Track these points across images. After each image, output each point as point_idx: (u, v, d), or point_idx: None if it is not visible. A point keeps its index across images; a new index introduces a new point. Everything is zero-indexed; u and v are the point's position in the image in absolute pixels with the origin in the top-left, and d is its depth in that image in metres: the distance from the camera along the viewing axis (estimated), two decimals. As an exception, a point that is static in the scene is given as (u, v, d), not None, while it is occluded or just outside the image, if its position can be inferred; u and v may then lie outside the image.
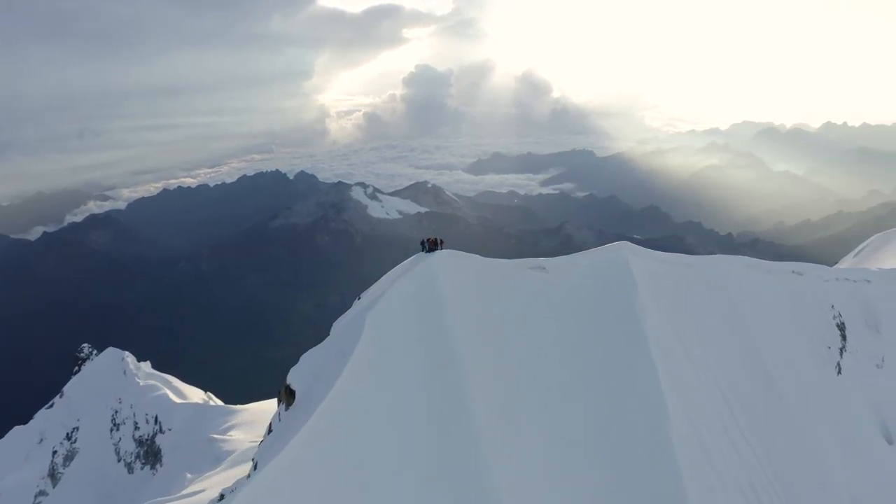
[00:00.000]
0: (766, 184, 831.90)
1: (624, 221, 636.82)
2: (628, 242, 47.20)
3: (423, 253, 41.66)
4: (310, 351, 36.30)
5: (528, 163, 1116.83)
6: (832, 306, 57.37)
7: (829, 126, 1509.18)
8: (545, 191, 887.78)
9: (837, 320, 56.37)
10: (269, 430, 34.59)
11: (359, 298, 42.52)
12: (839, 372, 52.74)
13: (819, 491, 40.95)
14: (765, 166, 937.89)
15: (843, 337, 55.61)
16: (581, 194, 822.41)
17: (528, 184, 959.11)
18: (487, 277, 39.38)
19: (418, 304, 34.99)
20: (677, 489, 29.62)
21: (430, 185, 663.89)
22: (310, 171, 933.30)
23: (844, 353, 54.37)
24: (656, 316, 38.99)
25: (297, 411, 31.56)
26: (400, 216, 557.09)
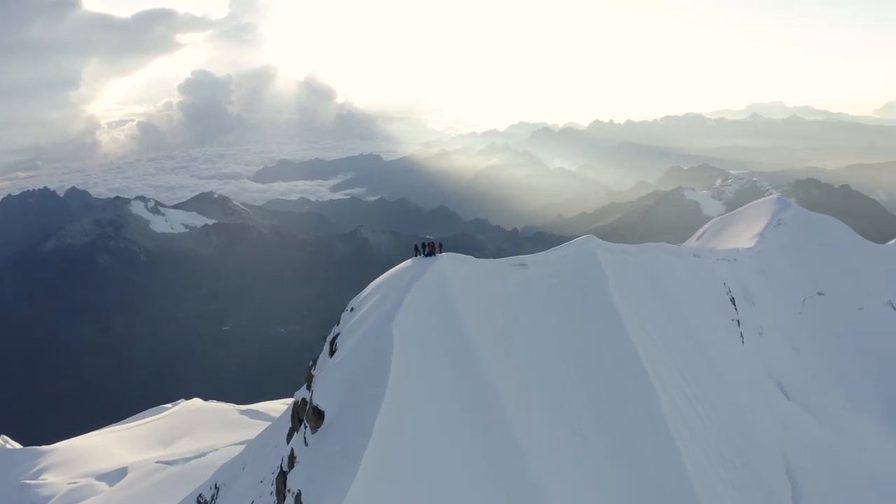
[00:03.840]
0: (544, 180, 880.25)
1: (416, 222, 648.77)
2: (592, 236, 49.58)
3: (421, 257, 41.25)
4: (326, 370, 34.64)
5: (317, 169, 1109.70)
6: (724, 283, 63.02)
7: (597, 124, 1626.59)
8: (336, 196, 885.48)
9: (729, 296, 61.97)
10: (293, 458, 31.93)
11: (351, 309, 41.42)
12: (743, 341, 58.17)
13: (758, 450, 44.91)
14: (542, 164, 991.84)
15: (736, 310, 61.14)
16: (372, 198, 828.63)
17: (318, 190, 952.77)
18: (484, 278, 40.37)
19: (435, 309, 35.34)
20: (676, 460, 32.85)
21: (216, 196, 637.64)
22: (82, 187, 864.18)
23: (740, 325, 59.79)
24: (624, 303, 41.79)
25: (333, 432, 30.16)
26: (186, 230, 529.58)
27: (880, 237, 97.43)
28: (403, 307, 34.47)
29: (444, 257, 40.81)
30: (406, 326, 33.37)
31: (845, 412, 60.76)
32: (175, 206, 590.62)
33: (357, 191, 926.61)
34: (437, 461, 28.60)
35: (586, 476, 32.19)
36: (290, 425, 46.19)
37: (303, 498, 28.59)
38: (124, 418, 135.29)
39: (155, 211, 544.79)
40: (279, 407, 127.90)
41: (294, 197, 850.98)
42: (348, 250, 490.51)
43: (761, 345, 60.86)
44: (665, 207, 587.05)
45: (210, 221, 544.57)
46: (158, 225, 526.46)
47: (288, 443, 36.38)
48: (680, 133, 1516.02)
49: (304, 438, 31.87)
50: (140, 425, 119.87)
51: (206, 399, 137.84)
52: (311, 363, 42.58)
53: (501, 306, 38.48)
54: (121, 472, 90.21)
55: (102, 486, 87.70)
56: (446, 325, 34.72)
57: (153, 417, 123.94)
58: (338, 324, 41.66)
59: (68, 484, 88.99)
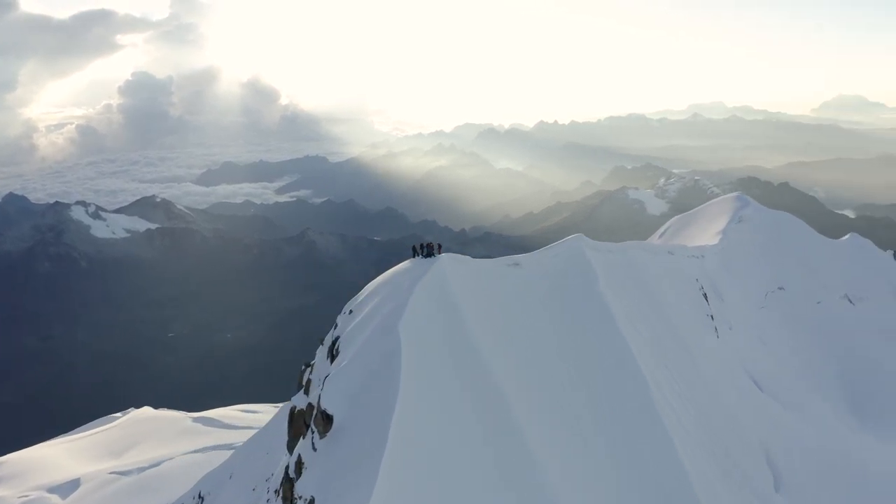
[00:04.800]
0: (491, 181, 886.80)
1: (363, 224, 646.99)
2: (581, 235, 50.09)
3: (420, 258, 41.14)
4: (333, 374, 33.70)
5: (262, 171, 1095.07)
6: (696, 279, 63.98)
7: (542, 125, 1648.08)
8: (282, 199, 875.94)
9: (702, 292, 62.82)
10: (300, 465, 31.28)
11: (350, 312, 40.51)
12: (718, 336, 58.98)
13: (742, 443, 45.82)
14: (488, 164, 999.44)
15: (709, 306, 61.93)
16: (318, 200, 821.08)
17: (263, 192, 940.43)
18: (482, 278, 40.42)
19: (439, 310, 35.23)
20: (675, 460, 33.37)
21: (158, 200, 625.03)
22: (19, 193, 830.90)
23: (714, 320, 60.44)
24: (615, 302, 42.33)
25: (344, 437, 29.66)
26: (128, 234, 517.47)
27: (821, 233, 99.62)
28: (408, 308, 34.14)
29: (445, 258, 40.65)
30: (412, 327, 33.09)
31: (815, 403, 62.35)
32: (116, 211, 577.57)
33: (303, 193, 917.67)
34: (450, 463, 28.42)
35: (588, 476, 32.20)
36: (282, 431, 45.35)
37: (315, 504, 28.38)
38: (71, 429, 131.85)
39: (96, 216, 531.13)
40: (233, 414, 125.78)
41: (239, 200, 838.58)
42: (295, 253, 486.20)
43: (732, 339, 61.81)
44: (610, 207, 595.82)
45: (153, 226, 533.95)
46: (100, 230, 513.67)
47: (290, 449, 35.76)
48: (623, 133, 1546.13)
49: (312, 444, 31.14)
50: (90, 435, 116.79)
51: (156, 407, 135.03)
52: (303, 367, 41.46)
53: (500, 306, 38.48)
54: (73, 484, 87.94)
55: (55, 498, 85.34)
56: (450, 325, 34.54)
57: (103, 427, 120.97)
58: (335, 327, 40.82)
59: (19, 498, 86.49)
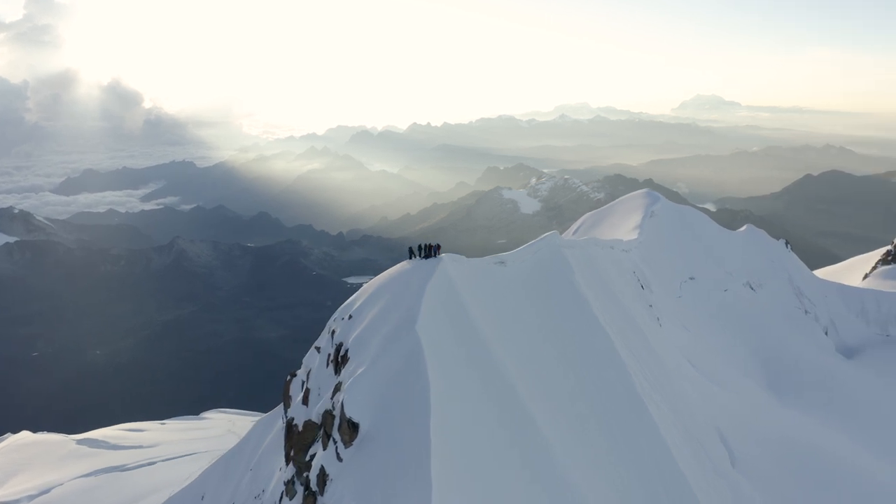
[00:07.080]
0: (366, 183, 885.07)
1: (236, 230, 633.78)
2: (556, 232, 51.14)
3: (419, 259, 40.89)
4: (351, 381, 32.66)
5: (125, 178, 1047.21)
6: (633, 272, 66.25)
7: (415, 127, 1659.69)
8: (148, 206, 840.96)
9: (640, 283, 65.26)
10: (323, 476, 30.13)
11: (349, 317, 39.00)
12: (660, 325, 61.46)
13: (697, 423, 47.53)
14: (363, 167, 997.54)
15: (646, 297, 64.18)
16: (187, 207, 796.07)
17: (128, 200, 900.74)
18: (478, 276, 40.93)
19: (448, 310, 35.36)
20: (658, 436, 35.94)
21: (16, 211, 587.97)
22: None
23: (653, 309, 62.79)
24: (588, 292, 43.99)
25: (375, 444, 28.92)
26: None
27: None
28: (423, 309, 33.92)
29: (446, 258, 40.67)
30: (429, 328, 32.94)
31: (742, 384, 65.61)
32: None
33: (170, 200, 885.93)
34: (484, 461, 28.61)
35: (596, 467, 33.18)
36: (270, 446, 42.55)
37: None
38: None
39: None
40: (119, 434, 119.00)
41: (102, 209, 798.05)
42: (165, 262, 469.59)
43: (666, 327, 63.53)
44: (485, 206, 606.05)
45: (11, 239, 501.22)
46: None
47: (296, 463, 34.67)
48: (494, 134, 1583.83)
49: (337, 454, 30.12)
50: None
51: (34, 431, 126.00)
52: (289, 378, 38.66)
53: (495, 302, 39.04)
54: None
55: (-63, 534, 77.69)
56: (461, 323, 34.70)
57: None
58: (333, 334, 39.54)
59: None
